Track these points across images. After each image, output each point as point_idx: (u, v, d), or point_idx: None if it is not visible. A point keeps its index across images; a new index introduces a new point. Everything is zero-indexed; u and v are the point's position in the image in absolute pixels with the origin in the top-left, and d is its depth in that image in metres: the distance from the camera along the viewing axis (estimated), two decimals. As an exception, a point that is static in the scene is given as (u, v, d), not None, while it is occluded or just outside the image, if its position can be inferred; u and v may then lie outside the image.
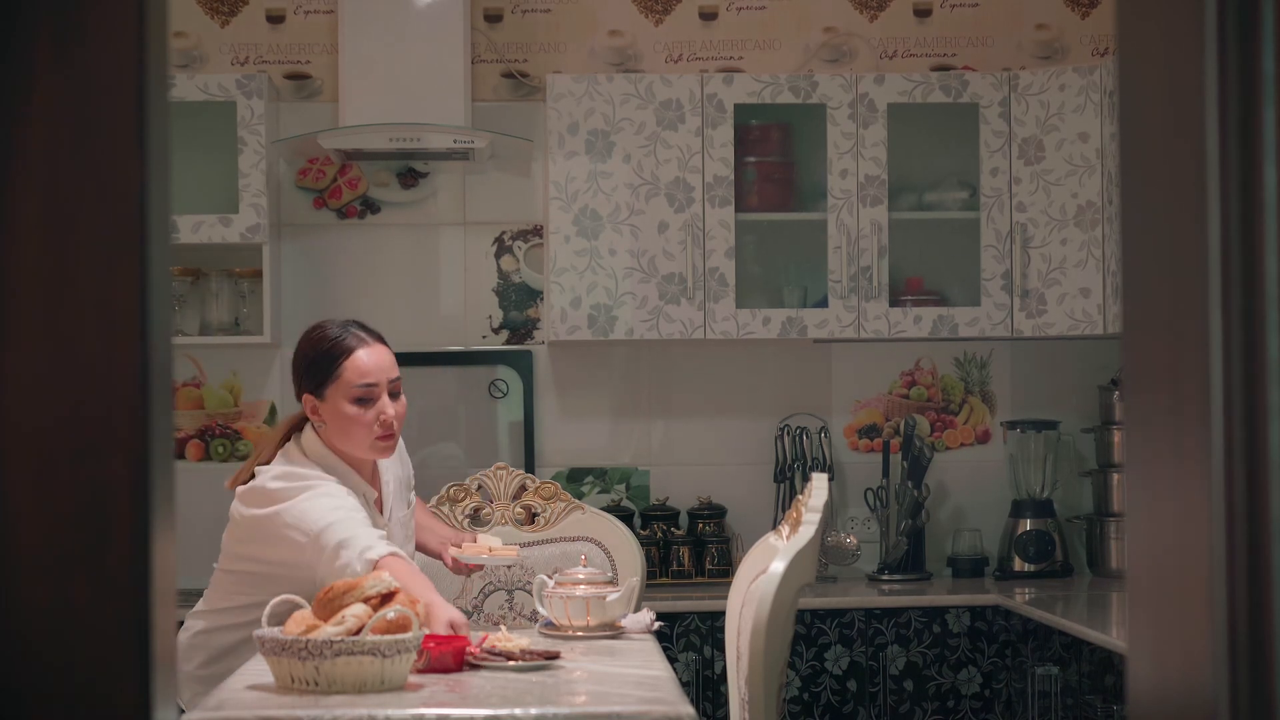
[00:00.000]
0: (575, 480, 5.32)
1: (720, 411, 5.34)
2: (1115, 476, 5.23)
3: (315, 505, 3.48)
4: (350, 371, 3.61)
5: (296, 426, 3.78)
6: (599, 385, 5.35)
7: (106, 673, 1.13)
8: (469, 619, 4.17)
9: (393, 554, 3.41)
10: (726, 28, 5.39)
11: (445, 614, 3.37)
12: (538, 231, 5.33)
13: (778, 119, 5.17)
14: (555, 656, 3.36)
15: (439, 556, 3.93)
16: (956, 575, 5.27)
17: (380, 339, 3.71)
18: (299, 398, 3.71)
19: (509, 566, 4.12)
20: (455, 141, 4.99)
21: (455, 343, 5.34)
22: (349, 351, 3.64)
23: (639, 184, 5.05)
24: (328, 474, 3.60)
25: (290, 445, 3.70)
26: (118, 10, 1.13)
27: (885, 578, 5.16)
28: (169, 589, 1.18)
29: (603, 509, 4.58)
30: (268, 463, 3.66)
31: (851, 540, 5.19)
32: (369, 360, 3.63)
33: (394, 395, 3.66)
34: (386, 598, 3.24)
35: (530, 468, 5.23)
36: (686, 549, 5.11)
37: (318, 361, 3.65)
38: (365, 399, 3.60)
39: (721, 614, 4.09)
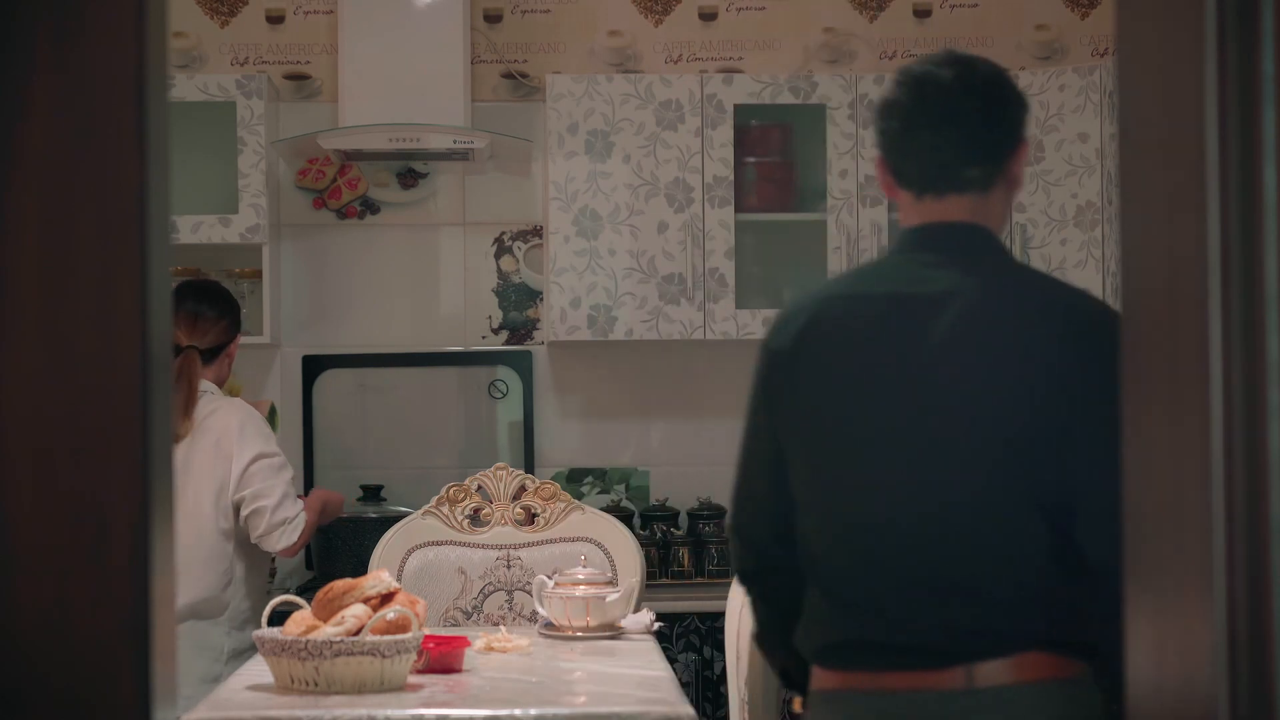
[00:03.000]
0: (575, 481, 5.32)
1: (720, 411, 5.34)
2: (1115, 477, 5.22)
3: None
4: None
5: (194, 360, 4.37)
6: (599, 386, 5.34)
7: (106, 673, 1.13)
8: (469, 619, 4.17)
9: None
10: (726, 28, 5.39)
11: (323, 494, 4.55)
12: (537, 232, 5.33)
13: (777, 119, 5.17)
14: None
15: None
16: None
17: None
18: (233, 336, 4.42)
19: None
20: (455, 142, 4.99)
21: (455, 343, 5.34)
22: None
23: (639, 184, 5.05)
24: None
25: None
26: (117, 10, 1.13)
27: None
28: (169, 589, 1.18)
29: (602, 509, 4.58)
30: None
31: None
32: None
33: None
34: (386, 598, 3.24)
35: (530, 468, 5.23)
36: (686, 549, 5.10)
37: (236, 309, 4.47)
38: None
39: (721, 614, 4.08)
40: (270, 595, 4.48)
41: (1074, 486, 2.29)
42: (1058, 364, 2.33)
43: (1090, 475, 2.30)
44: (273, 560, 5.05)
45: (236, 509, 4.24)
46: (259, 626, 4.40)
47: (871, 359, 2.40)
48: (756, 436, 2.59)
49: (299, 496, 4.35)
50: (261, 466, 4.26)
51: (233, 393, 5.27)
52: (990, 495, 2.33)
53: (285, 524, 4.23)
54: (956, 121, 2.42)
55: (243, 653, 4.20)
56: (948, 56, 2.47)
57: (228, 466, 4.24)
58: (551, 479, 4.55)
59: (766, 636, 2.57)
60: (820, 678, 2.41)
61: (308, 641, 3.07)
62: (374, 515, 4.90)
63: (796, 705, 2.62)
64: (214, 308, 4.36)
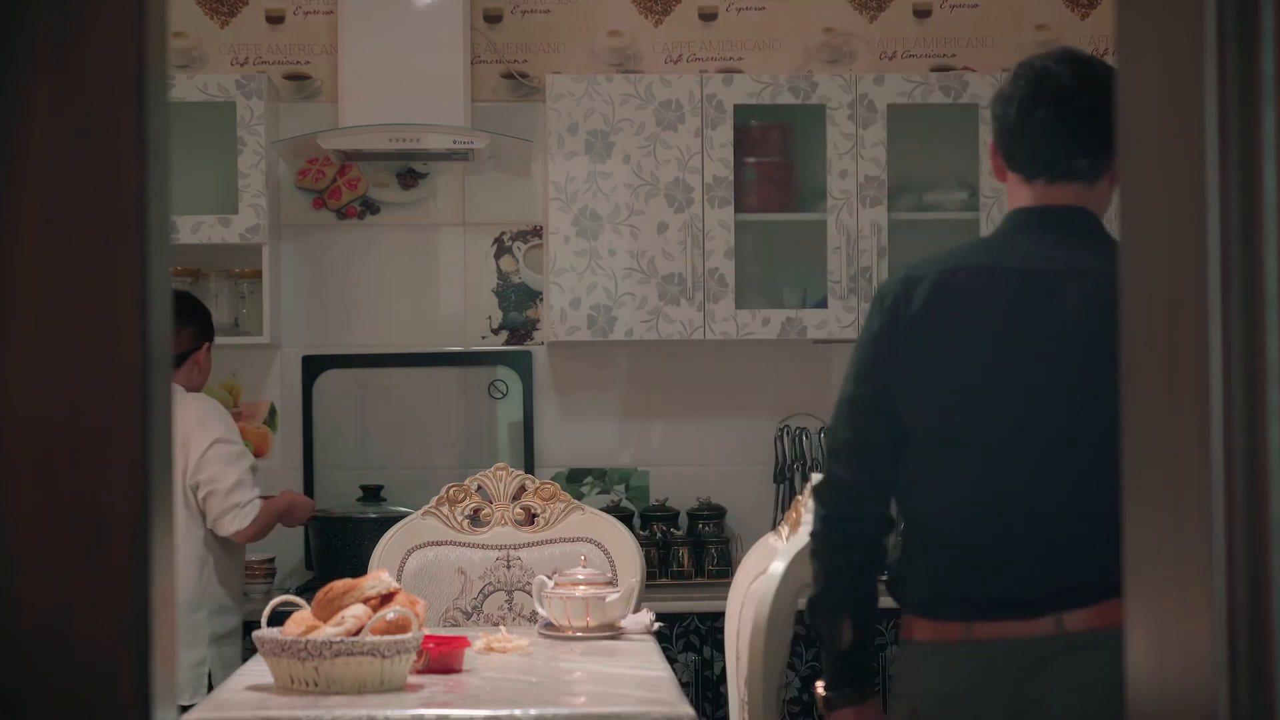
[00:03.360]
0: (575, 481, 5.32)
1: (720, 412, 5.34)
2: (1115, 477, 5.22)
3: None
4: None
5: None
6: (598, 386, 5.35)
7: (106, 673, 1.13)
8: (469, 619, 4.17)
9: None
10: (726, 28, 5.39)
11: (289, 497, 4.68)
12: (537, 232, 5.33)
13: (777, 119, 5.17)
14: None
15: None
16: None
17: None
18: (198, 343, 4.61)
19: None
20: (455, 142, 4.99)
21: (455, 343, 5.34)
22: None
23: (638, 184, 5.05)
24: None
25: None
26: (117, 10, 1.13)
27: (885, 578, 5.16)
28: (169, 589, 1.18)
29: (602, 509, 4.58)
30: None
31: (851, 541, 5.18)
32: None
33: None
34: (386, 598, 3.24)
35: (530, 468, 5.23)
36: (686, 549, 5.10)
37: (210, 322, 4.70)
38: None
39: (721, 614, 4.08)
40: (254, 582, 4.53)
41: None
42: None
43: None
44: (270, 561, 5.05)
45: (195, 493, 4.42)
46: (238, 612, 4.47)
47: (1001, 327, 2.59)
48: (872, 391, 2.68)
49: (262, 497, 4.51)
50: (218, 452, 4.43)
51: (233, 393, 5.28)
52: (1093, 462, 2.53)
53: (237, 508, 4.41)
54: (1070, 115, 2.61)
55: (222, 637, 4.41)
56: (1066, 53, 2.66)
57: (186, 453, 4.39)
58: (551, 479, 4.55)
59: (833, 591, 2.73)
60: (921, 628, 2.63)
61: (308, 641, 3.07)
62: (374, 515, 4.90)
63: (819, 688, 2.80)
64: (177, 317, 4.50)
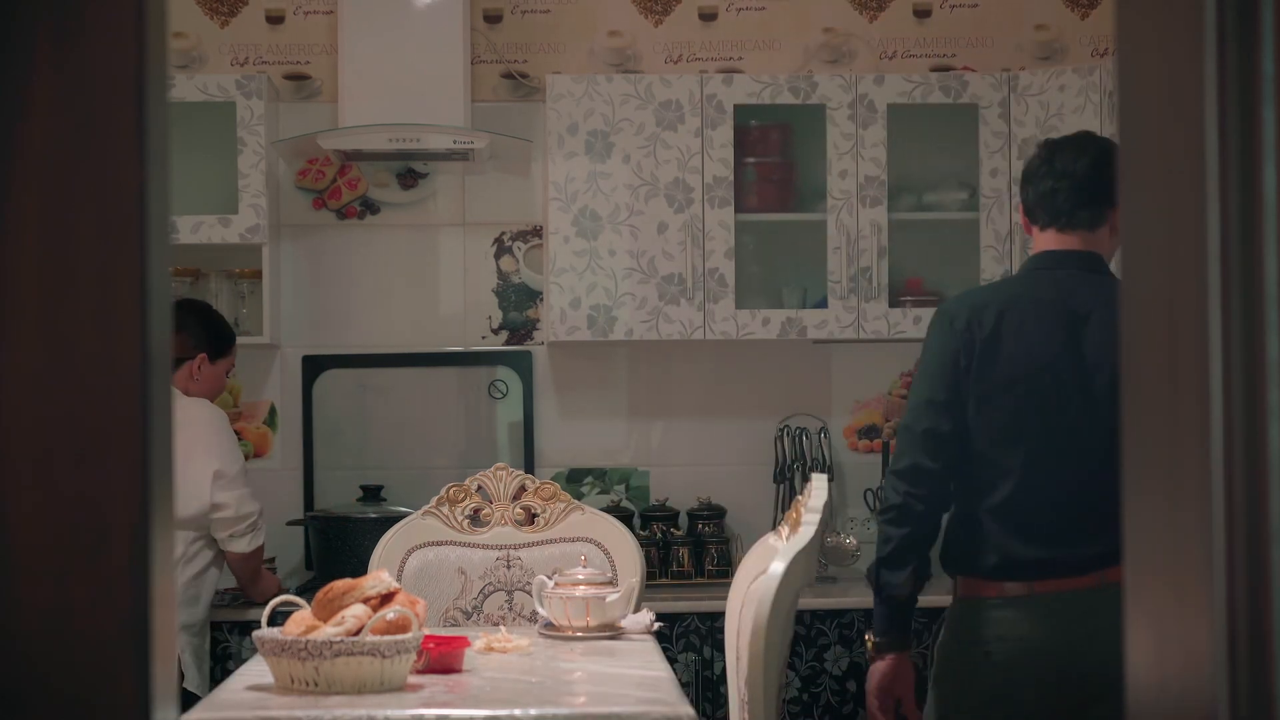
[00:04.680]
0: (575, 481, 5.32)
1: (720, 412, 5.34)
2: (1115, 477, 5.22)
3: None
4: (233, 354, 4.82)
5: None
6: (598, 386, 5.34)
7: (106, 673, 1.13)
8: (469, 619, 4.17)
9: None
10: (726, 28, 5.39)
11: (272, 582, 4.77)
12: (537, 232, 5.33)
13: (777, 119, 5.17)
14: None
15: None
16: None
17: None
18: (193, 353, 4.66)
19: None
20: (455, 142, 4.99)
21: (455, 343, 5.34)
22: (234, 339, 4.82)
23: (638, 184, 5.05)
24: None
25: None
26: (117, 10, 1.13)
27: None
28: (169, 589, 1.18)
29: (602, 509, 4.58)
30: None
31: (851, 541, 5.19)
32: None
33: None
34: (386, 598, 3.24)
35: (530, 468, 5.23)
36: (686, 549, 5.10)
37: (222, 336, 4.74)
38: (227, 375, 4.84)
39: (721, 614, 4.09)
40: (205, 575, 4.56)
41: None
42: None
43: None
44: (270, 562, 5.05)
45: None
46: (196, 605, 4.51)
47: (1052, 346, 3.38)
48: (948, 397, 3.40)
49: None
50: (220, 485, 4.58)
51: (232, 393, 5.28)
52: (1118, 453, 2.98)
53: (251, 529, 4.65)
54: (1073, 178, 3.47)
55: (187, 626, 4.51)
56: (1079, 134, 3.59)
57: (183, 469, 4.48)
58: (551, 479, 4.55)
59: (903, 551, 3.41)
60: (989, 588, 3.37)
61: (308, 641, 3.07)
62: (374, 515, 4.90)
63: (868, 639, 3.53)
64: (177, 322, 4.59)
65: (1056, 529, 3.33)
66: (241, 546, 4.57)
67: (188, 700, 4.07)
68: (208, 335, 4.68)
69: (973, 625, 3.38)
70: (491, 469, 4.30)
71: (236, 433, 5.29)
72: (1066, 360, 3.35)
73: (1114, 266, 5.02)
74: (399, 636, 3.10)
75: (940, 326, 3.44)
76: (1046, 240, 3.50)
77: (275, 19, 5.30)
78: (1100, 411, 3.32)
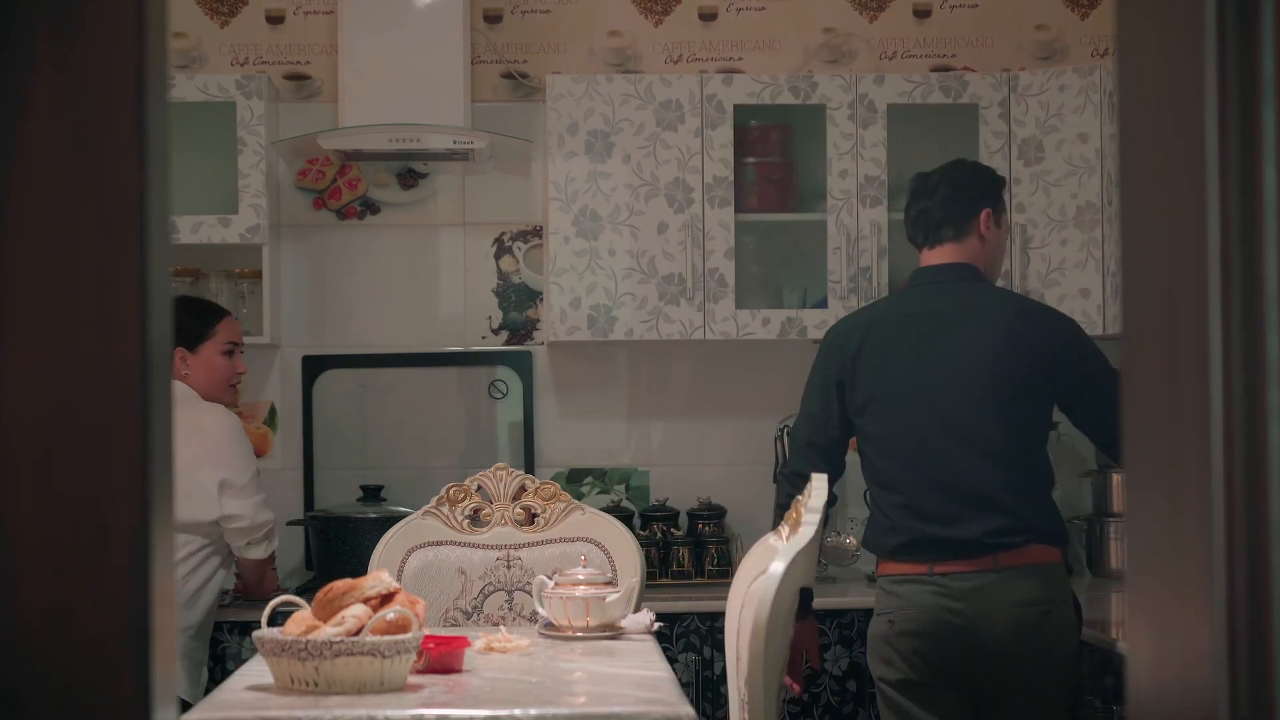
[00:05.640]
0: (575, 481, 5.32)
1: (720, 412, 5.34)
2: (1115, 477, 5.23)
3: None
4: (224, 330, 4.52)
5: None
6: (599, 386, 5.35)
7: (106, 673, 1.13)
8: (469, 619, 4.17)
9: None
10: (726, 28, 5.39)
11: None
12: (537, 232, 5.33)
13: (777, 119, 5.17)
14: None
15: None
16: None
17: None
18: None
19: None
20: (455, 142, 4.99)
21: (455, 343, 5.34)
22: (222, 314, 4.54)
23: (639, 184, 5.05)
24: None
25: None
26: (117, 10, 1.13)
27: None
28: (169, 589, 1.18)
29: (602, 509, 4.58)
30: None
31: (851, 541, 5.19)
32: (234, 324, 4.57)
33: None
34: (386, 598, 3.24)
35: (530, 468, 5.23)
36: (686, 549, 5.10)
37: (198, 319, 4.48)
38: (229, 354, 4.52)
39: (721, 614, 4.08)
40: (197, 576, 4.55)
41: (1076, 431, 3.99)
42: (1041, 345, 3.88)
43: (1077, 417, 4.00)
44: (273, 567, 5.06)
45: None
46: (193, 609, 4.50)
47: (919, 354, 3.89)
48: (826, 407, 4.02)
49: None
50: (230, 494, 4.53)
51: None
52: (1009, 439, 3.83)
53: (266, 537, 4.64)
54: (934, 200, 4.05)
55: (182, 630, 4.45)
56: (947, 163, 4.19)
57: (193, 479, 4.47)
58: (551, 479, 4.55)
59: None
60: (892, 568, 3.86)
61: (308, 641, 3.07)
62: (374, 515, 4.90)
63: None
64: None
65: (949, 515, 3.79)
66: (258, 554, 4.56)
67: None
68: (174, 329, 4.62)
69: (882, 598, 3.90)
70: (491, 469, 4.30)
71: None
72: (933, 364, 3.86)
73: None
74: (399, 636, 3.10)
75: (822, 348, 4.08)
76: (924, 258, 4.05)
77: (275, 19, 5.30)
78: (980, 407, 3.81)
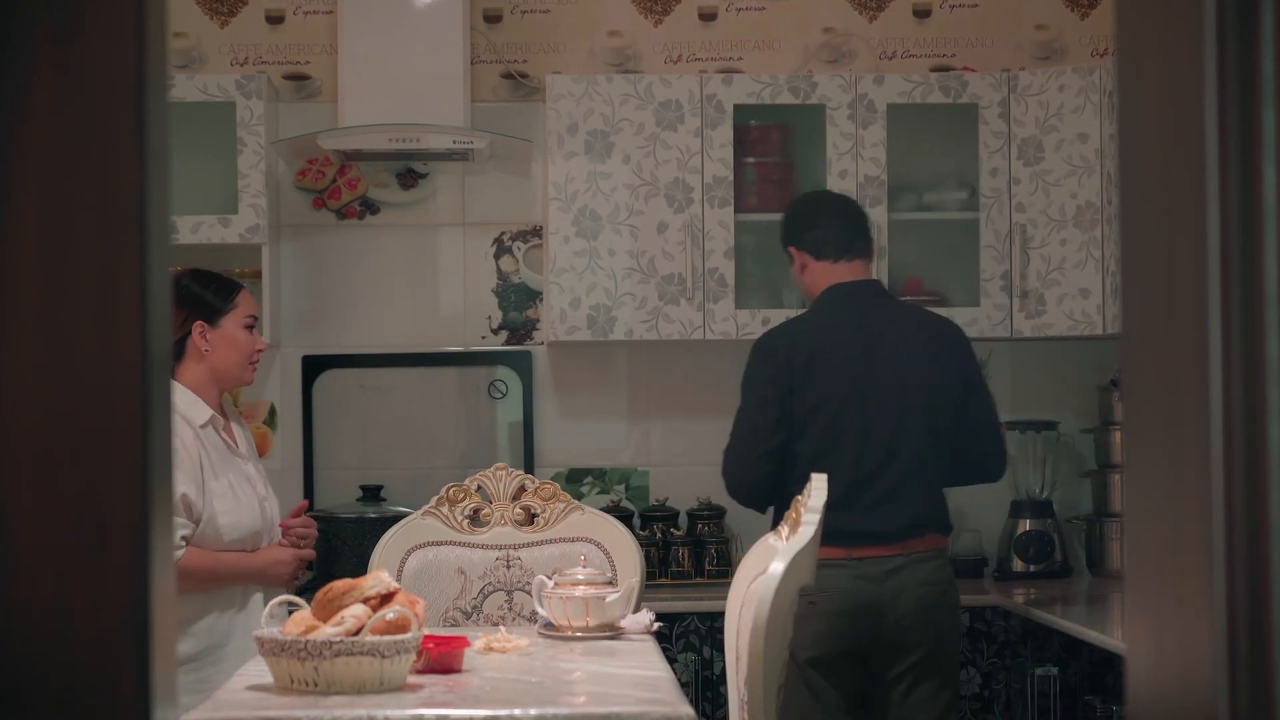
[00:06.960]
0: (575, 481, 5.32)
1: (720, 411, 5.34)
2: (1114, 477, 5.23)
3: None
4: (244, 303, 4.20)
5: None
6: (598, 386, 5.35)
7: (106, 673, 1.13)
8: (469, 619, 4.17)
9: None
10: (726, 28, 5.39)
11: (269, 555, 4.10)
12: (537, 232, 5.33)
13: (777, 119, 5.17)
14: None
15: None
16: (956, 575, 5.26)
17: None
18: (184, 327, 4.09)
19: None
20: (455, 142, 4.99)
21: (455, 343, 5.34)
22: (240, 287, 4.26)
23: (638, 184, 5.05)
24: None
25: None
26: (117, 10, 1.13)
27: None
28: (169, 589, 1.18)
29: (602, 509, 4.58)
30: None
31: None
32: (251, 298, 4.29)
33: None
34: (386, 598, 3.24)
35: (530, 468, 5.23)
36: (686, 549, 5.10)
37: (216, 292, 4.18)
38: (251, 328, 4.19)
39: (721, 614, 4.08)
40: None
41: (965, 430, 4.34)
42: (948, 356, 4.34)
43: (976, 421, 4.37)
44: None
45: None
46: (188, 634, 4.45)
47: (858, 363, 4.28)
48: (776, 414, 4.31)
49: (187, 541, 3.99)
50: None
51: (232, 393, 5.27)
52: (928, 442, 4.28)
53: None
54: (845, 217, 4.49)
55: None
56: (823, 192, 4.78)
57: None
58: (551, 479, 4.55)
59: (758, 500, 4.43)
60: (824, 552, 3.86)
61: (307, 641, 3.07)
62: (374, 515, 4.90)
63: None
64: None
65: (866, 507, 4.20)
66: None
67: None
68: (193, 303, 4.10)
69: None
70: (491, 469, 4.29)
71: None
72: (870, 375, 4.23)
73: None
74: (399, 636, 3.10)
75: (764, 356, 4.32)
76: (837, 273, 4.37)
77: (275, 19, 5.30)
78: (911, 415, 4.24)
